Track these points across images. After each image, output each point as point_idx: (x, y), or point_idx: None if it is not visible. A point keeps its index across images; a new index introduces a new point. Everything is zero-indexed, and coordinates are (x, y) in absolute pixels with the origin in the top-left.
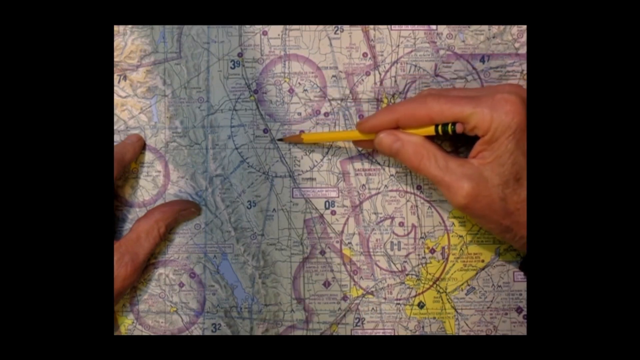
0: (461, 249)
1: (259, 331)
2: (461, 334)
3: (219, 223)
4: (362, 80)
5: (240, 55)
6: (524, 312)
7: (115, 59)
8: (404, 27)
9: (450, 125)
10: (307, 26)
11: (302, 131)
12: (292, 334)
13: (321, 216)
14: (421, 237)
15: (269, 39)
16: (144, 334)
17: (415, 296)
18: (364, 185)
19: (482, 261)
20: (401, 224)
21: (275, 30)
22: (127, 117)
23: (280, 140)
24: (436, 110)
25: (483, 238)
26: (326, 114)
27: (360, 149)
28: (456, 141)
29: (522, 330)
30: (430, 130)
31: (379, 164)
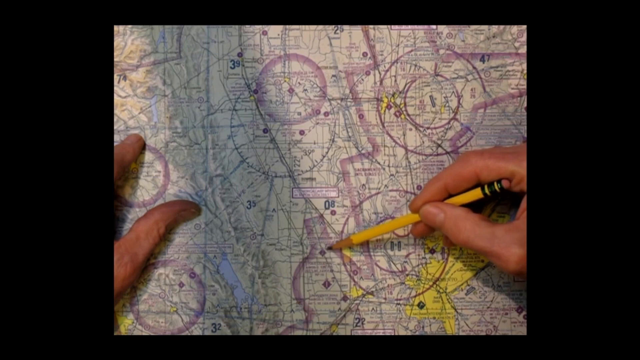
0: (461, 249)
1: (258, 331)
2: (461, 334)
3: (219, 223)
4: (362, 79)
5: (240, 55)
6: (524, 312)
7: (115, 59)
8: (403, 26)
9: (496, 183)
10: (306, 26)
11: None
12: (292, 334)
13: (321, 216)
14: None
15: (268, 38)
16: (144, 334)
17: (415, 296)
18: (364, 185)
19: (482, 261)
20: None
21: (275, 30)
22: (127, 117)
23: (329, 249)
24: (481, 166)
25: None
26: (326, 114)
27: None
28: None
29: (522, 330)
30: (477, 193)
31: (379, 163)
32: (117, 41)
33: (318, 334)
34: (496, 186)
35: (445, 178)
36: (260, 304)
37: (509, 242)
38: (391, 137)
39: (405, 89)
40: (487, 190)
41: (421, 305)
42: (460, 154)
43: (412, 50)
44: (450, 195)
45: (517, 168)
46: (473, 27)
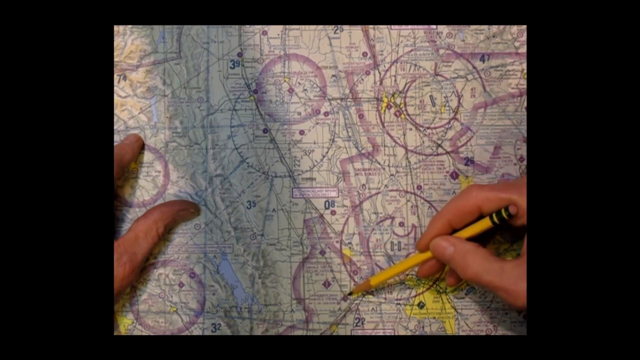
0: None
1: (258, 331)
2: (461, 334)
3: (219, 223)
4: (362, 79)
5: (240, 55)
6: (524, 312)
7: (115, 59)
8: (403, 26)
9: (503, 210)
10: (306, 26)
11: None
12: (292, 334)
13: (321, 216)
14: None
15: (268, 38)
16: (143, 334)
17: (415, 296)
18: (364, 185)
19: None
20: (401, 224)
21: (275, 30)
22: (127, 117)
23: (350, 294)
24: (482, 198)
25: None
26: (326, 114)
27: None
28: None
29: (522, 330)
30: (486, 223)
31: (379, 163)
32: (117, 41)
33: (318, 334)
34: (504, 213)
35: (448, 213)
36: (260, 304)
37: (517, 277)
38: (391, 137)
39: (405, 89)
40: (495, 219)
41: (421, 305)
42: (462, 189)
43: (412, 50)
44: (456, 230)
45: (519, 198)
46: (473, 27)
